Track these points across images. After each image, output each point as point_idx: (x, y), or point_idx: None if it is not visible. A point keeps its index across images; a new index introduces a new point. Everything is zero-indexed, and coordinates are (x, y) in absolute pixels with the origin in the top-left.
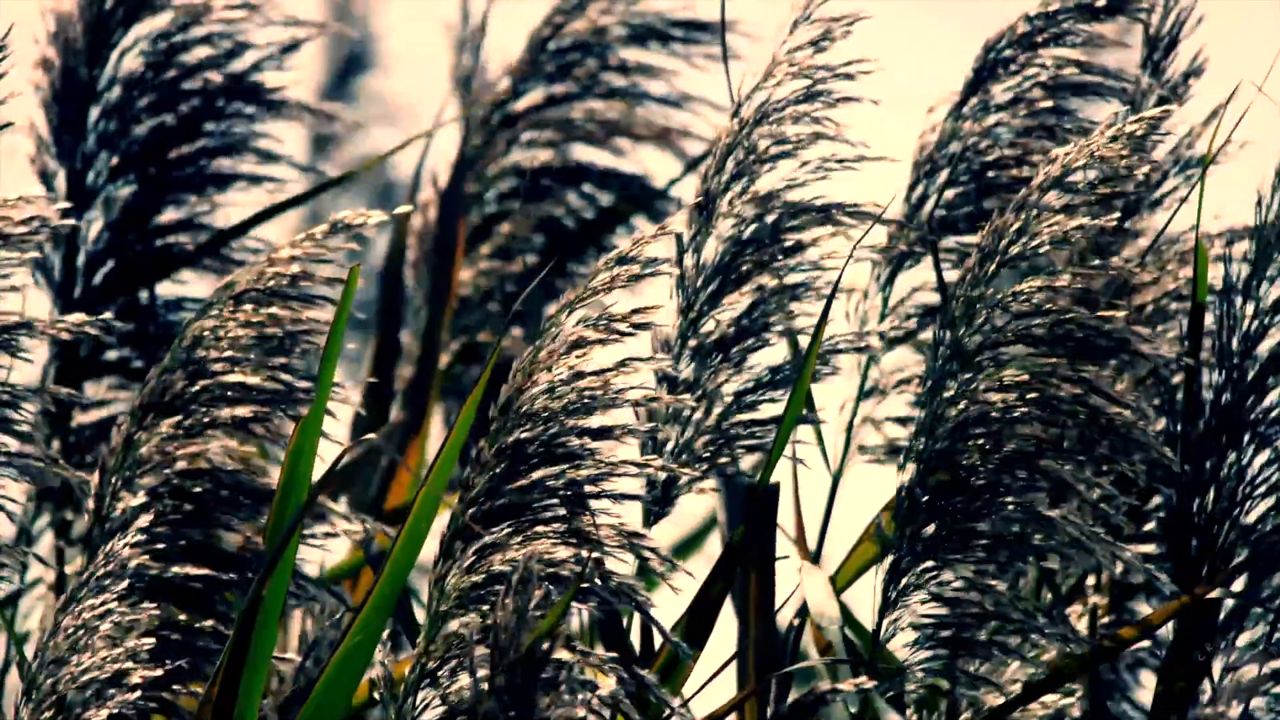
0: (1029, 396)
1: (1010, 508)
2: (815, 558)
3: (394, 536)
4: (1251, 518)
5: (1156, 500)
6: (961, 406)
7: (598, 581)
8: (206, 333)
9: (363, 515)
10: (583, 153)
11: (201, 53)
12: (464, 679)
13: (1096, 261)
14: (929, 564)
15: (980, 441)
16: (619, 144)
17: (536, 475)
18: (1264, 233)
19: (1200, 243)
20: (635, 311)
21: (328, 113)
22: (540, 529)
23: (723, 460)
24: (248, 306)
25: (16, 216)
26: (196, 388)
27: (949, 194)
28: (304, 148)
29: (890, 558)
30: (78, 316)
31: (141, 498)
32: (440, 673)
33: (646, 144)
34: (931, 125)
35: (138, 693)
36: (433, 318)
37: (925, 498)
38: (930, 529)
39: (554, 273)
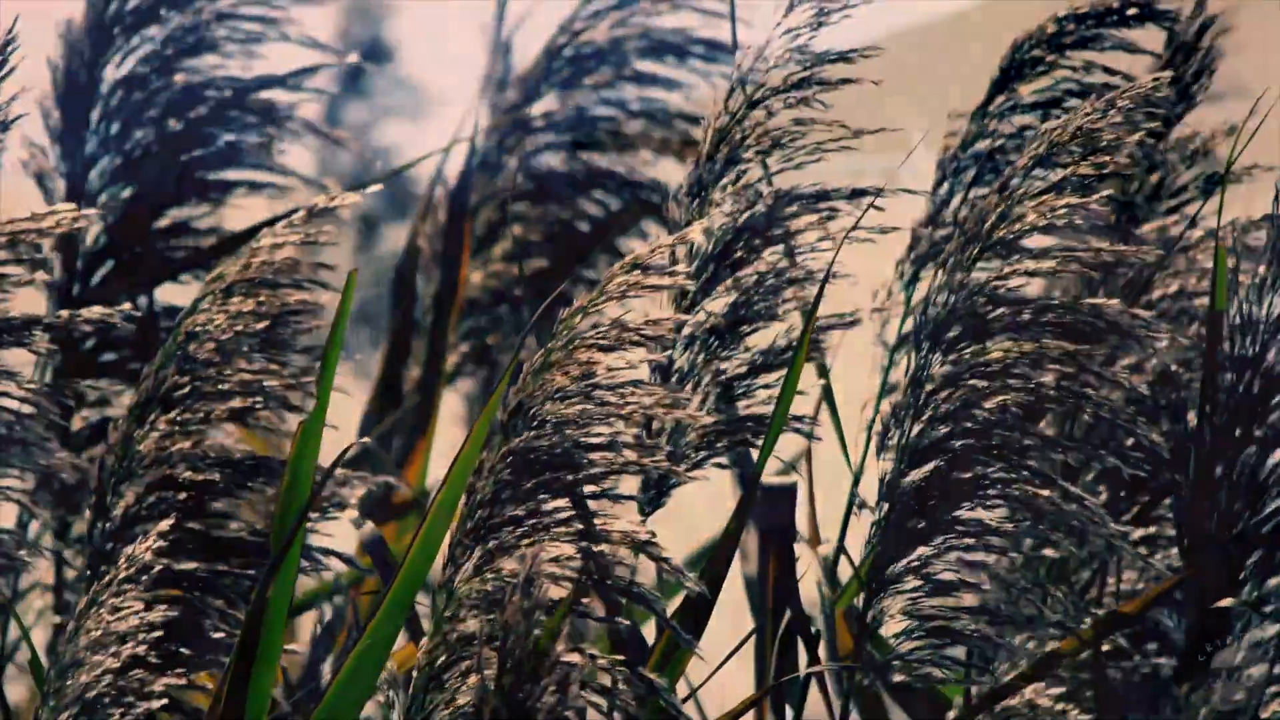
0: (1012, 382)
1: (995, 496)
2: (836, 556)
3: (410, 540)
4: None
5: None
6: (944, 394)
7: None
8: (199, 328)
9: (364, 474)
10: (595, 158)
11: (209, 60)
12: (472, 680)
13: (1084, 245)
14: (914, 553)
15: (963, 429)
16: (631, 150)
17: (541, 479)
18: None
19: (1220, 247)
20: (649, 323)
21: (335, 136)
22: (545, 533)
23: (719, 446)
24: (236, 298)
25: (44, 225)
26: (191, 382)
27: (975, 192)
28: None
29: (874, 547)
30: (95, 309)
31: (135, 495)
32: (448, 675)
33: (658, 152)
34: (957, 124)
35: (163, 700)
36: (439, 319)
37: (908, 485)
38: (913, 517)
39: (564, 278)
